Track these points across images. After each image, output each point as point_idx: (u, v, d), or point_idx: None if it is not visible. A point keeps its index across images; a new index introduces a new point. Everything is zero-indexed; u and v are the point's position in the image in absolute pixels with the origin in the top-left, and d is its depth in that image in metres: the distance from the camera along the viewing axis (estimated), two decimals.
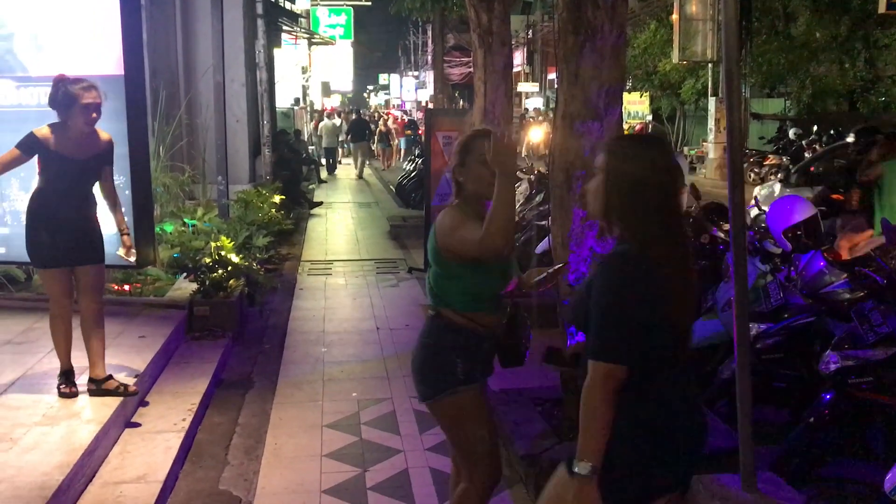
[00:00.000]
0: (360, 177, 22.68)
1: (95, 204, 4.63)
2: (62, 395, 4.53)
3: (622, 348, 2.14)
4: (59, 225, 4.41)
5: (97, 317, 4.54)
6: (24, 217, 4.57)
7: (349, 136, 24.24)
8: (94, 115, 4.40)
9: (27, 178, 5.87)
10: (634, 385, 2.19)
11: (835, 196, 8.27)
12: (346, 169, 25.27)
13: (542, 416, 4.49)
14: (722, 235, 6.06)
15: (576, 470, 2.15)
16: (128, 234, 4.79)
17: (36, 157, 4.42)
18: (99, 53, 5.90)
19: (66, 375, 4.60)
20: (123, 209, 5.77)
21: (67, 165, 4.40)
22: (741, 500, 3.51)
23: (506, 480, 4.17)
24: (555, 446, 4.08)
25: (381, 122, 26.06)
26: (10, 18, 5.99)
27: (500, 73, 6.91)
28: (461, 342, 2.93)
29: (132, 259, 4.81)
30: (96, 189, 4.66)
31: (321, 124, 24.85)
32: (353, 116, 25.84)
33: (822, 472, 4.15)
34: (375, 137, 26.35)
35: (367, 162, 24.09)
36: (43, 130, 4.38)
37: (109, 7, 5.80)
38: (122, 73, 5.76)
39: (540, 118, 28.24)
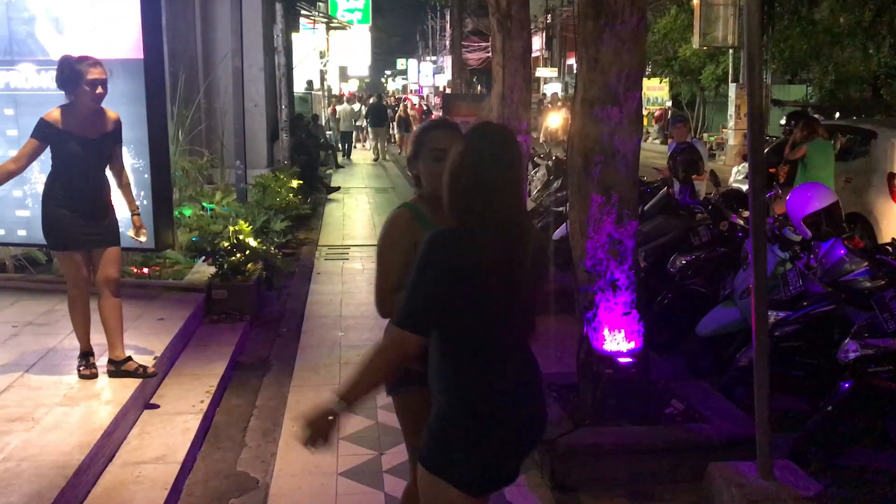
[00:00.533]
0: (376, 160, 23.07)
1: (110, 186, 4.67)
2: (82, 376, 4.58)
3: (418, 318, 2.17)
4: (74, 206, 4.45)
5: (114, 299, 4.57)
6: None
7: (368, 121, 24.50)
8: (101, 90, 4.43)
9: (47, 161, 5.91)
10: (452, 359, 2.25)
11: (770, 170, 8.70)
12: (362, 153, 25.34)
13: (557, 402, 4.49)
14: (741, 222, 6.02)
15: (334, 407, 2.25)
16: (138, 215, 4.82)
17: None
18: (118, 37, 5.92)
19: (86, 357, 4.65)
20: (143, 192, 5.85)
21: (79, 145, 4.43)
22: (757, 488, 3.51)
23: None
24: (570, 432, 4.08)
25: (400, 108, 25.90)
26: (32, 2, 6.02)
27: (519, 58, 6.85)
28: None
29: (142, 239, 4.83)
30: (108, 171, 4.69)
31: (339, 108, 25.42)
32: (373, 101, 25.85)
33: (839, 460, 4.14)
34: (394, 123, 26.31)
35: (385, 146, 24.23)
36: (53, 114, 4.43)
37: None
38: (142, 56, 5.77)
39: (559, 103, 28.02)
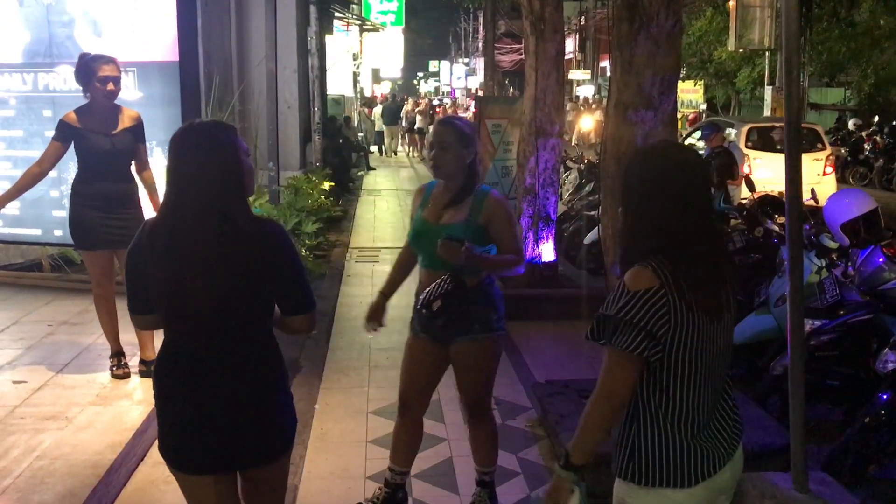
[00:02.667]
0: (394, 153, 25.51)
1: (136, 185, 4.70)
2: (114, 376, 4.63)
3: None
4: (98, 205, 4.51)
5: None
6: None
7: (383, 120, 26.06)
8: (112, 86, 4.50)
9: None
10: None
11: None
12: (398, 157, 25.61)
13: None
14: (776, 229, 5.93)
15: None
16: None
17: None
18: (154, 40, 6.00)
19: (117, 356, 4.70)
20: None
21: (96, 142, 4.50)
22: (792, 500, 3.44)
23: (550, 472, 4.16)
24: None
25: (440, 110, 25.89)
26: (71, 5, 6.11)
27: (552, 60, 6.83)
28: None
29: None
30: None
31: (374, 110, 26.85)
32: (387, 102, 27.87)
33: (876, 473, 4.05)
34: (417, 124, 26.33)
35: (399, 142, 26.28)
36: (70, 115, 4.54)
37: None
38: (177, 59, 5.84)
39: (592, 105, 27.87)
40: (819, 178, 11.37)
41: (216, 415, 2.33)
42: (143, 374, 4.63)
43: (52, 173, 5.06)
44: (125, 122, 4.62)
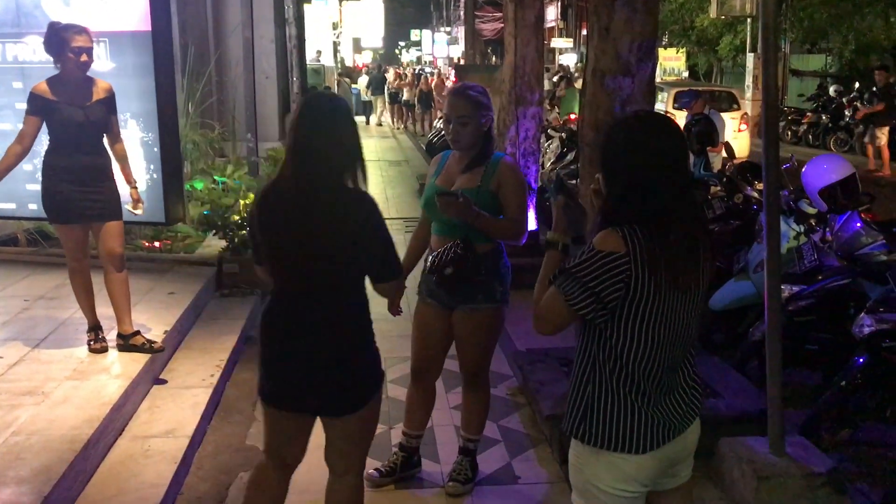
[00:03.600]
0: (379, 124, 25.33)
1: (110, 158, 4.61)
2: (92, 350, 4.59)
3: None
4: (71, 178, 4.40)
5: (120, 274, 4.56)
6: None
7: (370, 90, 26.08)
8: (86, 57, 4.38)
9: None
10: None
11: None
12: (379, 128, 25.45)
13: (567, 377, 4.45)
14: (756, 195, 5.93)
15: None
16: (135, 188, 4.74)
17: None
18: (126, 9, 5.86)
19: (95, 330, 4.65)
20: (153, 166, 5.83)
21: (70, 114, 4.39)
22: (768, 464, 3.48)
23: (531, 440, 4.19)
24: None
25: (422, 81, 25.38)
26: None
27: (531, 27, 6.76)
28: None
29: (139, 212, 4.75)
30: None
31: (360, 79, 27.15)
32: (374, 72, 27.86)
33: (852, 436, 4.10)
34: (403, 97, 26.09)
35: (384, 111, 26.18)
36: (40, 86, 4.39)
37: None
38: (150, 28, 5.72)
39: (576, 75, 27.73)
40: (735, 134, 13.65)
41: (301, 362, 2.56)
42: (120, 347, 4.59)
43: None
44: (98, 93, 4.51)
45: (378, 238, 2.57)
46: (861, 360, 4.00)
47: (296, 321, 2.55)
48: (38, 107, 4.38)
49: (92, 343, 4.61)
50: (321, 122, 2.51)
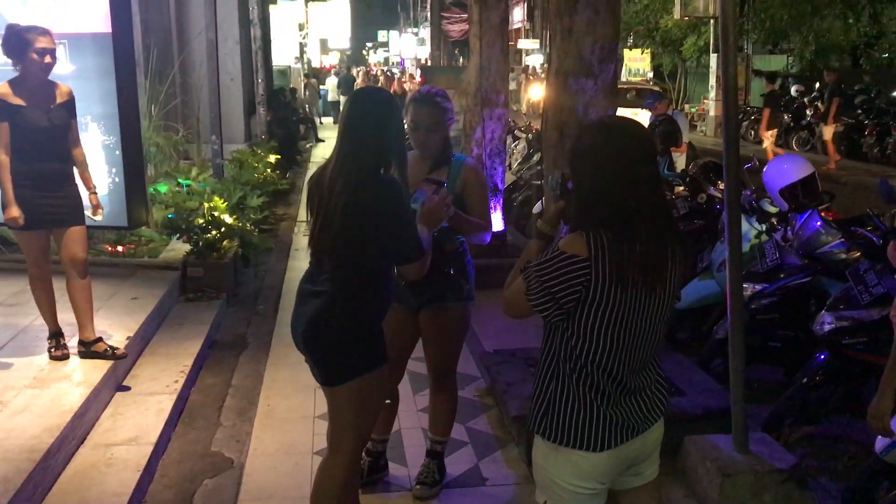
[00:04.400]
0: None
1: (72, 163, 4.52)
2: (53, 357, 4.51)
3: None
4: (34, 184, 4.30)
5: (83, 280, 4.49)
6: None
7: (340, 90, 26.26)
8: (49, 59, 4.28)
9: None
10: None
11: None
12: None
13: (534, 378, 4.47)
14: (719, 195, 6.00)
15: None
16: (95, 193, 4.65)
17: None
18: (86, 10, 5.77)
19: (55, 337, 4.58)
20: (115, 169, 5.74)
21: (34, 117, 4.28)
22: (732, 461, 3.52)
23: (498, 441, 4.19)
24: None
25: (395, 82, 25.60)
26: None
27: (496, 28, 6.78)
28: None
29: (98, 218, 4.67)
30: None
31: (328, 80, 27.73)
32: (343, 73, 28.35)
33: (814, 431, 4.15)
34: None
35: None
36: (1, 88, 4.26)
37: None
38: (110, 30, 5.64)
39: (542, 74, 27.88)
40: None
41: (303, 326, 2.75)
42: (82, 354, 4.52)
43: None
44: (61, 96, 4.43)
45: (400, 223, 2.71)
46: (822, 356, 4.05)
47: (309, 289, 2.78)
48: (2, 111, 4.23)
49: (53, 350, 4.54)
50: (367, 112, 2.72)
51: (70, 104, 4.48)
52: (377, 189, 2.66)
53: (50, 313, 4.56)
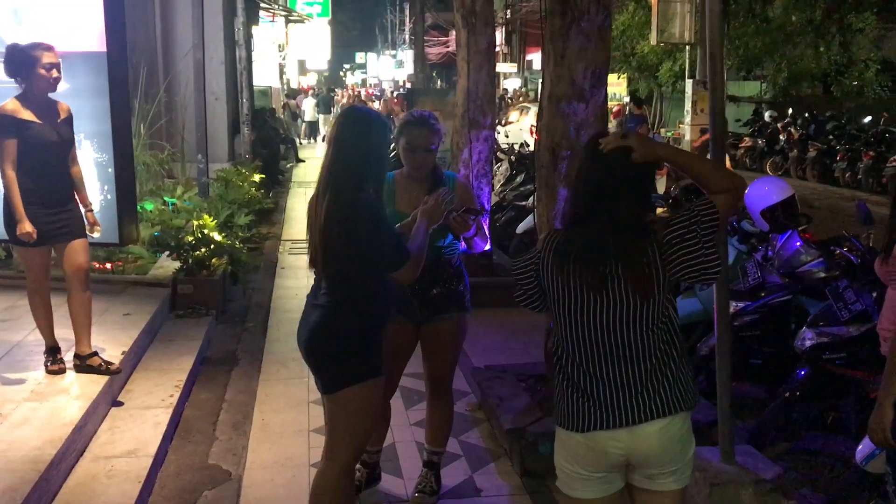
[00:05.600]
0: (325, 140, 24.76)
1: (72, 179, 4.56)
2: (50, 371, 4.55)
3: None
4: (41, 200, 4.31)
5: (85, 293, 4.53)
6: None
7: (319, 110, 27.59)
8: (56, 73, 4.33)
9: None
10: None
11: None
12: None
13: (525, 392, 4.58)
14: None
15: None
16: (91, 211, 4.69)
17: None
18: (80, 29, 5.84)
19: (52, 352, 4.61)
20: (107, 186, 5.79)
21: (43, 132, 4.31)
22: (720, 472, 3.63)
23: (491, 454, 4.29)
24: (538, 420, 4.17)
25: (381, 104, 26.24)
26: None
27: (484, 53, 6.93)
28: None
29: (96, 235, 4.73)
30: None
31: (305, 101, 28.16)
32: (322, 94, 29.87)
33: (796, 445, 4.29)
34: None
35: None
36: (8, 105, 4.26)
37: None
38: (105, 49, 5.71)
39: (520, 98, 28.26)
40: None
41: (307, 334, 2.92)
42: (77, 368, 4.56)
43: None
44: (63, 112, 4.48)
45: (378, 237, 2.80)
46: (803, 372, 4.20)
47: (311, 302, 2.96)
48: (10, 127, 4.22)
49: (49, 364, 4.57)
50: (349, 131, 2.86)
51: (71, 121, 4.55)
52: (354, 207, 2.77)
53: (48, 327, 4.59)
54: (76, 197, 4.57)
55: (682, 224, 2.30)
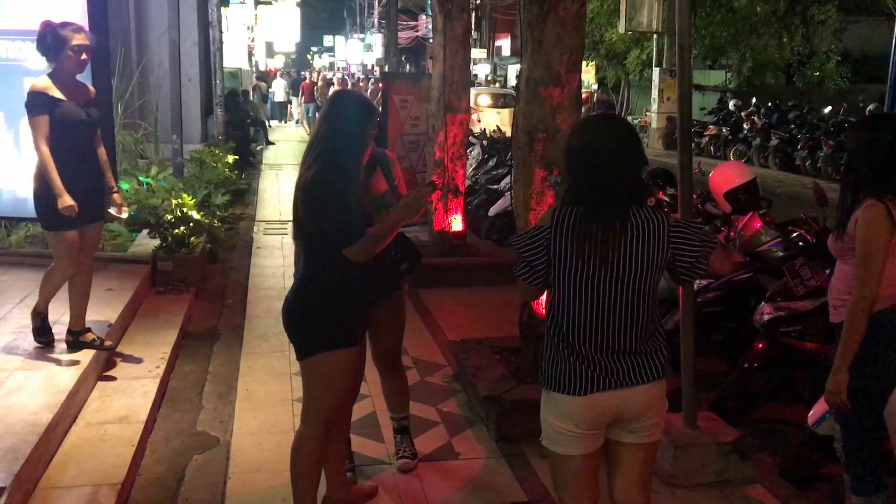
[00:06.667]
0: (297, 123, 27.42)
1: (98, 159, 4.61)
2: (40, 342, 4.62)
3: None
4: (74, 182, 4.29)
5: (90, 273, 4.64)
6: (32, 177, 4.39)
7: (290, 92, 28.64)
8: (85, 56, 4.35)
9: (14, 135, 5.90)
10: None
11: None
12: (296, 131, 25.56)
13: (501, 363, 4.80)
14: (666, 199, 6.42)
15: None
16: (117, 192, 4.76)
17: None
18: (61, 7, 5.91)
19: (43, 321, 4.66)
20: None
21: (76, 112, 4.33)
22: (684, 434, 3.89)
23: (468, 421, 4.50)
24: (514, 388, 4.39)
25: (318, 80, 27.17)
26: None
27: (459, 39, 7.11)
28: None
29: (124, 215, 4.83)
30: None
31: (275, 82, 29.07)
32: (293, 76, 31.12)
33: (754, 413, 4.57)
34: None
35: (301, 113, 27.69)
36: (39, 83, 4.27)
37: None
38: (87, 28, 5.78)
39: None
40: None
41: (285, 302, 3.15)
42: (69, 344, 4.59)
43: None
44: (90, 94, 4.51)
45: (320, 212, 2.96)
46: (761, 344, 4.47)
47: (295, 274, 3.19)
48: (43, 104, 4.22)
49: (39, 337, 4.62)
50: (332, 112, 3.06)
51: (97, 103, 4.57)
52: (317, 180, 2.95)
53: (47, 300, 4.60)
54: (102, 178, 4.61)
55: (690, 226, 2.59)
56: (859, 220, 3.03)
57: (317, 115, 23.09)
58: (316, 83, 29.09)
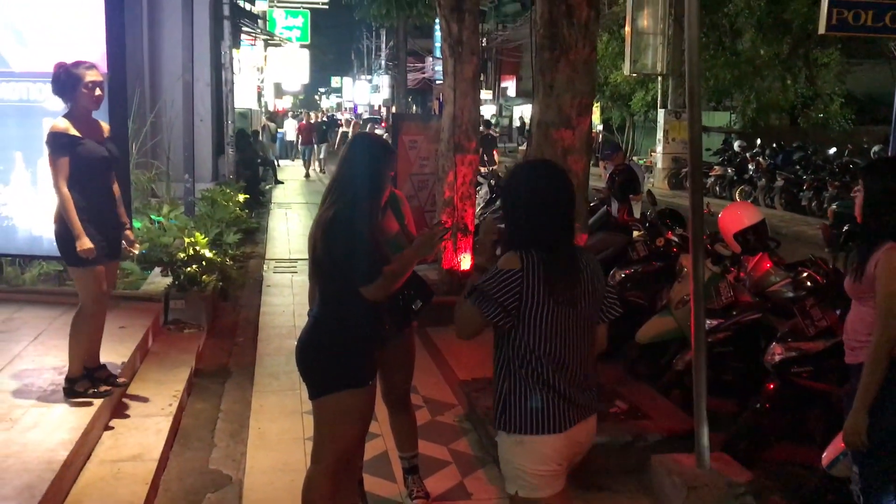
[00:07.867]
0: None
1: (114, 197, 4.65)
2: (98, 395, 4.48)
3: None
4: (97, 218, 4.36)
5: (105, 311, 4.66)
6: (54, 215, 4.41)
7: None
8: (100, 92, 4.41)
9: (5, 170, 6.00)
10: None
11: None
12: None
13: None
14: (675, 239, 6.47)
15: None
16: (130, 229, 4.82)
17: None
18: (82, 50, 6.03)
19: (90, 374, 4.54)
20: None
21: (95, 150, 4.38)
22: (696, 475, 3.89)
23: (479, 461, 4.50)
24: None
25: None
26: None
27: (469, 81, 7.23)
28: None
29: (136, 252, 4.89)
30: None
31: (286, 122, 29.54)
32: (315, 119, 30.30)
33: (766, 454, 4.56)
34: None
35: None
36: (62, 123, 4.32)
37: (93, 3, 5.95)
38: (106, 70, 5.90)
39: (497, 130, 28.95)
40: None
41: (298, 342, 3.17)
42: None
43: None
44: (104, 131, 4.57)
45: (338, 249, 3.01)
46: (772, 385, 4.48)
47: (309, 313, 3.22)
48: (65, 145, 4.27)
49: (90, 391, 4.49)
50: (351, 153, 3.18)
51: (113, 139, 4.64)
52: (336, 219, 3.01)
53: (92, 350, 4.59)
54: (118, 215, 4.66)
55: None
56: (880, 262, 3.06)
57: (311, 157, 23.42)
58: (315, 123, 29.10)
